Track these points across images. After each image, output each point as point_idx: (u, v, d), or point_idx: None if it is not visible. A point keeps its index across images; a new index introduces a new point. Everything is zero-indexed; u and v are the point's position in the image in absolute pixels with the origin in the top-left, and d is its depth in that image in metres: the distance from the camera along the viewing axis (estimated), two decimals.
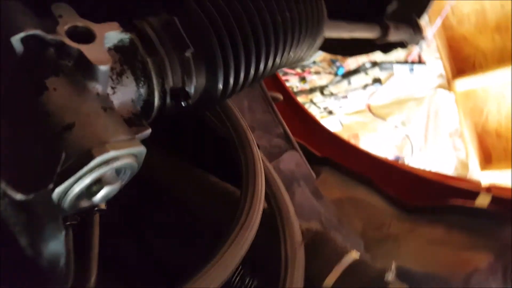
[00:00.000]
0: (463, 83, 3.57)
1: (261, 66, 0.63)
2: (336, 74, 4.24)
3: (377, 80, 4.10)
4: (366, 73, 4.11)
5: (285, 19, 0.63)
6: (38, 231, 0.33)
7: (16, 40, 0.39)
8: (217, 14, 0.56)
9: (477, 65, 3.44)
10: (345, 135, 4.38)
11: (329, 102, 4.41)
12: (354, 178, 1.74)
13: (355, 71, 4.17)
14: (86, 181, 0.40)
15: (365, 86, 4.16)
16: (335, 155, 1.85)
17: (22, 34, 0.39)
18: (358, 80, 4.18)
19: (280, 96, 1.64)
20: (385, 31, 1.17)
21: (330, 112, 4.47)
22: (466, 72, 3.54)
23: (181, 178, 0.96)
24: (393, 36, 1.22)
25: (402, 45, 1.35)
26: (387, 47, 1.36)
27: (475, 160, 3.64)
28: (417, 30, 1.33)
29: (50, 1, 0.46)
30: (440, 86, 3.84)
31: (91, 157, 0.39)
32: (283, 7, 0.63)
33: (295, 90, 4.19)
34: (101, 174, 0.41)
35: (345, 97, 4.32)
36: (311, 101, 4.43)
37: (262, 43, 0.60)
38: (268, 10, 0.60)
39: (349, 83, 4.25)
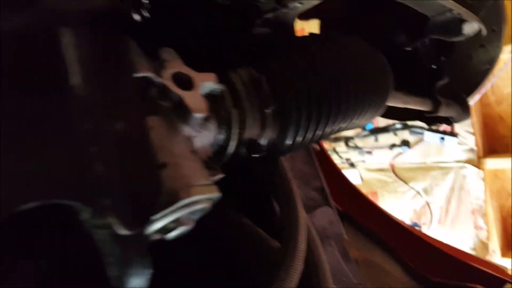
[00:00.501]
0: (494, 163, 3.54)
1: (328, 130, 0.65)
2: (364, 128, 4.25)
3: (405, 143, 4.09)
4: (395, 133, 4.11)
5: (357, 89, 0.65)
6: (128, 266, 0.35)
7: (136, 74, 0.42)
8: (298, 77, 0.59)
9: (510, 147, 3.42)
10: (363, 190, 4.33)
11: (352, 154, 4.42)
12: (372, 240, 1.72)
13: (384, 129, 4.18)
14: (168, 219, 0.42)
15: (392, 146, 4.15)
16: (356, 211, 1.84)
17: (137, 75, 0.42)
18: (385, 138, 4.18)
19: (317, 146, 1.66)
20: (436, 106, 1.20)
21: (352, 165, 4.46)
22: (498, 152, 3.51)
23: (217, 217, 0.97)
24: (443, 112, 1.24)
25: (448, 121, 1.37)
26: (432, 120, 1.38)
27: (496, 244, 3.55)
28: (465, 109, 1.35)
29: (156, 44, 0.50)
30: (469, 161, 3.81)
31: (178, 199, 0.41)
32: (357, 79, 0.66)
33: None
34: (181, 215, 0.43)
35: (370, 152, 4.32)
36: (334, 150, 4.44)
37: (333, 110, 0.63)
38: (343, 80, 0.63)
39: (376, 139, 4.25)
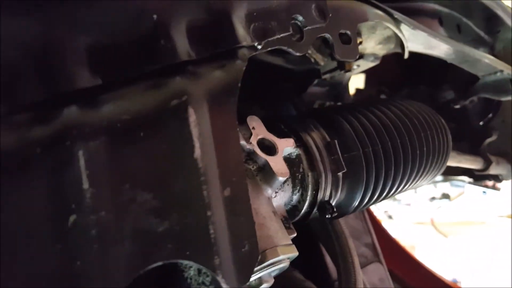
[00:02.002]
0: None
1: (393, 190, 0.68)
2: None
3: (445, 196, 3.99)
4: (435, 186, 4.02)
5: (422, 153, 0.68)
6: None
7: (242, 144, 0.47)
8: (368, 139, 0.63)
9: None
10: (401, 244, 4.21)
11: (391, 207, 4.33)
12: None
13: None
14: (256, 277, 0.45)
15: (432, 199, 4.06)
16: (395, 265, 1.80)
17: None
18: (425, 191, 4.09)
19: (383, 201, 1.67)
20: (487, 164, 1.20)
21: (390, 217, 4.36)
22: None
23: None
24: (493, 170, 1.25)
25: (497, 178, 1.36)
26: (481, 177, 1.38)
27: None
28: None
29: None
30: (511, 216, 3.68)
31: (265, 259, 0.44)
32: (422, 142, 0.69)
33: None
34: (263, 274, 0.46)
35: (409, 205, 4.22)
36: None
37: (399, 172, 0.66)
38: (410, 143, 0.67)
39: (416, 192, 4.16)
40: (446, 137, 0.78)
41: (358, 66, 1.02)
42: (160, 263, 0.33)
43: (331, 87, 1.10)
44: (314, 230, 0.94)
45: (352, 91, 1.72)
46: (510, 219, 3.67)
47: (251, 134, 0.51)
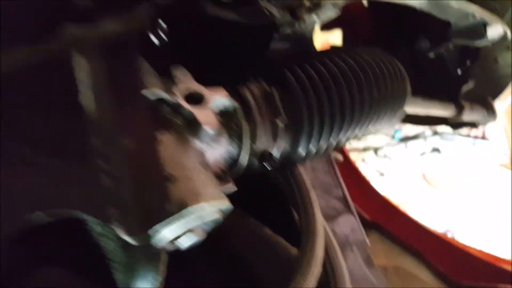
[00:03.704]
0: None
1: (342, 138, 0.66)
2: (393, 137, 4.19)
3: (436, 150, 4.01)
4: (425, 141, 4.03)
5: (372, 98, 0.66)
6: (136, 273, 0.37)
7: (145, 93, 0.45)
8: (311, 88, 0.60)
9: None
10: (394, 200, 4.26)
11: (382, 164, 4.35)
12: (402, 247, 1.71)
13: (414, 137, 4.10)
14: (180, 230, 0.44)
15: (422, 154, 4.08)
16: (384, 220, 1.82)
17: (149, 93, 0.45)
18: (415, 146, 4.11)
19: (341, 157, 1.66)
20: (460, 111, 1.18)
21: (381, 174, 4.39)
22: None
23: (235, 225, 0.99)
24: (467, 116, 1.23)
25: (473, 125, 1.35)
26: (457, 124, 1.36)
27: None
28: (491, 113, 1.32)
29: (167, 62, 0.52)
30: (503, 165, 3.70)
31: (188, 211, 0.43)
32: (372, 87, 0.66)
33: (348, 147, 4.16)
34: (193, 225, 0.45)
35: (400, 161, 4.25)
36: (363, 160, 4.38)
37: (346, 118, 0.64)
38: (358, 89, 0.64)
39: (406, 147, 4.18)
40: (402, 81, 0.76)
41: (318, 16, 0.98)
42: (40, 214, 0.32)
43: (295, 42, 1.06)
44: (280, 186, 0.93)
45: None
46: (503, 167, 3.71)
47: (175, 85, 0.49)
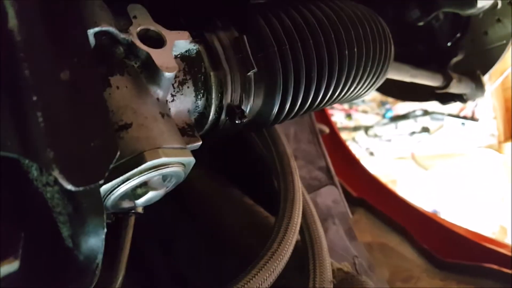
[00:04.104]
0: None
1: (319, 98, 0.62)
2: (383, 116, 4.17)
3: (425, 129, 4.00)
4: (415, 121, 4.02)
5: (352, 54, 0.61)
6: (82, 224, 0.33)
7: (91, 33, 0.40)
8: (285, 38, 0.55)
9: None
10: (383, 179, 4.26)
11: (372, 143, 4.34)
12: (388, 225, 1.70)
13: (404, 117, 4.09)
14: (134, 182, 0.40)
15: (412, 133, 4.07)
16: (371, 197, 1.81)
17: (97, 29, 0.40)
18: (405, 126, 4.10)
19: (327, 129, 1.63)
20: (447, 81, 1.14)
21: (371, 153, 4.38)
22: None
23: (217, 194, 0.96)
24: (454, 88, 1.19)
25: (462, 98, 1.31)
26: (445, 98, 1.33)
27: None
28: (479, 87, 1.29)
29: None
30: (490, 146, 3.71)
31: (143, 160, 0.39)
32: (352, 43, 0.62)
33: (338, 125, 4.15)
34: (149, 178, 0.41)
35: (389, 140, 4.24)
36: (353, 139, 4.36)
37: (324, 75, 0.59)
38: (336, 42, 0.60)
39: (396, 127, 4.17)
40: (385, 40, 0.71)
41: None
42: None
43: None
44: (261, 154, 0.90)
45: None
46: (490, 149, 3.71)
47: (131, 24, 0.44)
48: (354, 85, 0.67)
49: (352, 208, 1.67)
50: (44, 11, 0.31)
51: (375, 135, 4.33)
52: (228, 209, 0.92)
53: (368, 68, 0.67)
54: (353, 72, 0.63)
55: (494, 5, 1.17)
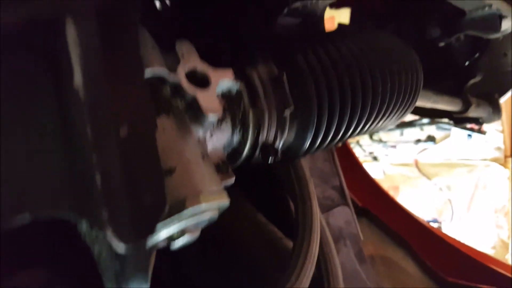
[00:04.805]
0: None
1: (349, 132, 0.62)
2: None
3: (431, 138, 4.00)
4: (421, 129, 4.01)
5: (385, 91, 0.61)
6: (127, 280, 0.33)
7: (146, 71, 0.39)
8: (323, 76, 0.55)
9: None
10: (385, 185, 4.27)
11: (376, 148, 4.34)
12: (391, 237, 1.70)
13: (410, 124, 4.08)
14: (174, 229, 0.39)
15: (417, 141, 4.07)
16: (375, 207, 1.81)
17: (149, 70, 0.40)
18: (411, 133, 4.09)
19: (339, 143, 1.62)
20: (466, 106, 1.14)
21: (375, 158, 4.38)
22: None
23: (231, 211, 0.96)
24: (472, 113, 1.19)
25: (477, 121, 1.31)
26: (460, 120, 1.33)
27: None
28: (496, 111, 1.28)
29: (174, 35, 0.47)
30: (495, 160, 3.70)
31: (184, 208, 0.39)
32: (386, 79, 0.61)
33: None
34: (187, 224, 0.41)
35: (394, 146, 4.24)
36: (357, 143, 4.37)
37: (357, 111, 0.59)
38: (371, 79, 0.59)
39: (402, 134, 4.17)
40: (417, 74, 0.71)
41: None
42: (25, 215, 0.27)
43: (304, 19, 1.00)
44: (277, 173, 0.90)
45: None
46: (493, 162, 3.71)
47: (179, 63, 0.44)
48: (384, 118, 0.67)
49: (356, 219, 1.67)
50: (106, 63, 0.31)
51: (380, 140, 4.33)
52: (242, 224, 0.92)
53: (399, 102, 0.66)
54: (385, 108, 0.63)
55: None
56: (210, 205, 0.41)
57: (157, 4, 0.67)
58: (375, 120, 0.64)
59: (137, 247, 0.32)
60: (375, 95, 0.60)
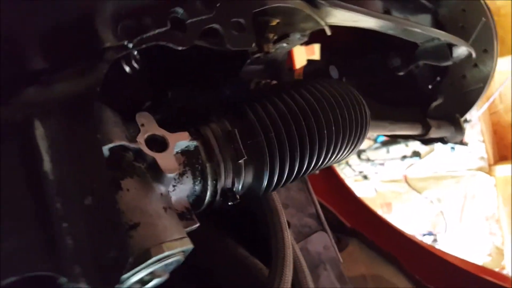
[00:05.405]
0: (504, 169, 3.53)
1: (303, 170, 0.69)
2: (375, 141, 4.26)
3: (416, 154, 4.09)
4: (406, 145, 4.11)
5: (331, 133, 0.69)
6: None
7: (105, 149, 0.47)
8: (271, 126, 0.63)
9: None
10: (377, 203, 4.34)
11: (365, 167, 4.42)
12: (382, 256, 1.73)
13: (395, 141, 4.18)
14: (141, 275, 0.46)
15: (403, 157, 4.15)
16: (364, 226, 1.85)
17: (111, 145, 0.47)
18: (397, 150, 4.18)
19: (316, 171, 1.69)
20: (426, 130, 1.23)
21: (365, 177, 4.46)
22: (508, 159, 3.49)
23: (210, 246, 1.01)
24: (434, 134, 1.27)
25: (443, 140, 1.40)
26: (426, 141, 1.41)
27: (510, 249, 3.52)
28: (458, 130, 1.37)
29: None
30: (480, 169, 3.79)
31: (149, 256, 0.46)
32: (330, 123, 0.70)
33: None
34: (154, 269, 0.48)
35: (382, 164, 4.32)
36: (347, 163, 4.44)
37: (306, 153, 0.67)
38: (316, 124, 0.68)
39: (388, 151, 4.25)
40: (361, 112, 0.79)
41: (287, 44, 1.02)
42: (12, 279, 0.34)
43: (267, 65, 1.10)
44: (252, 209, 0.96)
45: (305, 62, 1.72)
46: (479, 171, 3.79)
47: (139, 132, 0.52)
48: (335, 155, 0.75)
49: (346, 239, 1.72)
50: (69, 149, 0.39)
51: (368, 159, 4.41)
52: (222, 259, 0.96)
53: (346, 139, 0.75)
54: (332, 147, 0.71)
55: (468, 55, 1.26)
56: (173, 251, 0.48)
57: (127, 68, 0.75)
58: (326, 156, 0.72)
59: None
60: (321, 137, 0.68)
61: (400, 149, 4.19)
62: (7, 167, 0.35)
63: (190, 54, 0.87)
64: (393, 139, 4.14)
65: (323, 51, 1.74)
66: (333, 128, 0.70)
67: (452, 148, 3.86)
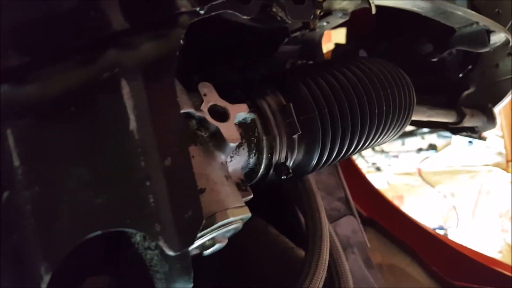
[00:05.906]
0: None
1: (351, 149, 0.69)
2: None
3: (432, 146, 4.05)
4: (423, 138, 4.07)
5: (381, 112, 0.69)
6: (174, 281, 0.40)
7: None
8: (324, 101, 0.63)
9: None
10: (389, 195, 4.32)
11: (379, 159, 4.40)
12: (398, 245, 1.74)
13: (411, 133, 4.14)
14: (205, 239, 0.47)
15: (419, 150, 4.12)
16: (380, 217, 1.85)
17: (181, 111, 0.48)
18: (412, 142, 4.15)
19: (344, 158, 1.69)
20: (461, 118, 1.22)
21: (378, 169, 4.43)
22: None
23: (244, 226, 1.02)
24: (467, 123, 1.26)
25: (473, 130, 1.38)
26: (457, 130, 1.40)
27: None
28: (491, 119, 1.36)
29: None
30: (497, 165, 3.75)
31: (214, 221, 0.46)
32: (381, 101, 0.70)
33: None
34: (218, 234, 0.48)
35: (396, 156, 4.29)
36: (360, 154, 4.42)
37: (357, 131, 0.67)
38: (368, 102, 0.67)
39: (403, 144, 4.22)
40: (409, 94, 0.79)
41: (328, 23, 1.01)
42: (98, 232, 0.35)
43: (303, 45, 1.10)
44: (286, 189, 0.97)
45: (333, 46, 1.71)
46: (495, 167, 3.75)
47: (202, 101, 0.52)
48: (382, 136, 0.74)
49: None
50: (152, 111, 0.39)
51: (382, 151, 4.38)
52: (254, 237, 0.98)
53: (395, 121, 0.74)
54: (381, 126, 0.71)
55: (506, 42, 1.24)
56: (235, 218, 0.49)
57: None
58: (374, 137, 0.72)
59: (183, 254, 0.39)
60: (372, 116, 0.68)
61: (416, 141, 4.15)
62: (100, 123, 0.36)
63: (232, 31, 0.87)
64: (409, 132, 4.11)
65: (348, 35, 1.73)
66: (384, 107, 0.69)
67: (470, 142, 3.83)
